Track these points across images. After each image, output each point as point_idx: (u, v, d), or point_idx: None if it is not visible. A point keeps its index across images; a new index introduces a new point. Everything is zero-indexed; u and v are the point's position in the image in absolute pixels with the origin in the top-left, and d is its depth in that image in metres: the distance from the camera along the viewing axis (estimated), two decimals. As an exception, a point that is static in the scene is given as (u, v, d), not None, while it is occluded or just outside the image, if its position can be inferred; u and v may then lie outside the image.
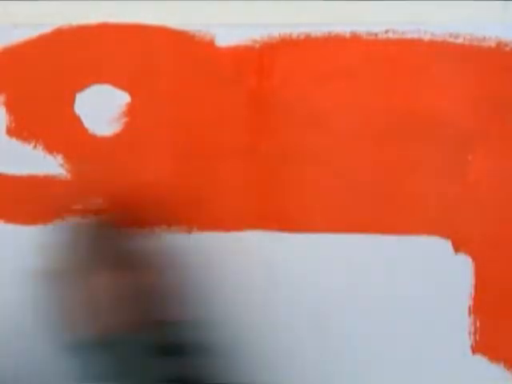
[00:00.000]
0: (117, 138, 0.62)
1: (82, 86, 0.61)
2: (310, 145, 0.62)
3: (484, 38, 0.61)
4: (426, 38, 0.61)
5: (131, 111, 0.61)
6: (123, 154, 0.62)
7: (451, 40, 0.61)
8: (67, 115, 0.61)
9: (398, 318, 0.62)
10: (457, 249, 0.62)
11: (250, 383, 0.58)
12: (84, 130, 0.61)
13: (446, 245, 0.63)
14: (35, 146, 0.61)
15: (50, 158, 0.62)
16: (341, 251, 0.62)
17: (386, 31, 0.61)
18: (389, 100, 0.61)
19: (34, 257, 0.58)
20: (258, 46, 0.61)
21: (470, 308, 0.63)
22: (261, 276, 0.61)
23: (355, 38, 0.61)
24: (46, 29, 0.60)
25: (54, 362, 0.57)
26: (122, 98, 0.61)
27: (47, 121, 0.61)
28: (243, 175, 0.62)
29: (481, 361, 0.63)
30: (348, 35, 0.61)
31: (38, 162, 0.62)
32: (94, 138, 0.62)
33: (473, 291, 0.63)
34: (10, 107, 0.61)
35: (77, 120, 0.61)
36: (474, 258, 0.63)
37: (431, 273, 0.63)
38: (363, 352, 0.61)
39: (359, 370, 0.62)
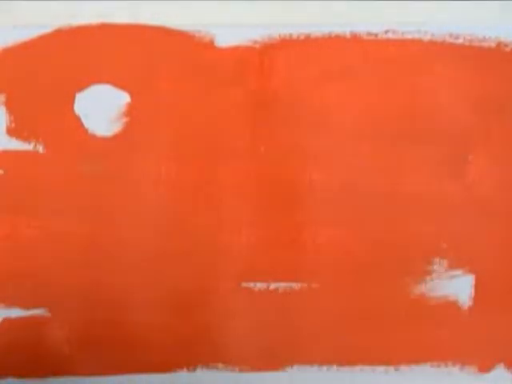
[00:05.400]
0: (117, 138, 0.62)
1: (82, 86, 0.61)
2: (310, 145, 0.62)
3: (484, 38, 0.61)
4: (426, 38, 0.61)
5: (131, 111, 0.61)
6: (123, 154, 0.62)
7: (451, 40, 0.61)
8: (67, 115, 0.61)
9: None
10: (457, 249, 0.63)
11: None
12: (84, 130, 0.61)
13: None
14: (35, 146, 0.62)
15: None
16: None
17: (386, 31, 0.61)
18: (389, 100, 0.61)
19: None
20: (258, 46, 0.61)
21: (470, 308, 0.63)
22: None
23: (355, 38, 0.61)
24: (46, 29, 0.60)
25: None
26: (122, 98, 0.61)
27: (47, 121, 0.61)
28: (243, 175, 0.62)
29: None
30: (348, 35, 0.61)
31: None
32: (93, 137, 0.62)
33: (473, 291, 0.63)
34: (10, 107, 0.61)
35: (77, 120, 0.61)
36: (475, 258, 0.63)
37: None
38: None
39: None
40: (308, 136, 0.62)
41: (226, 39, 0.61)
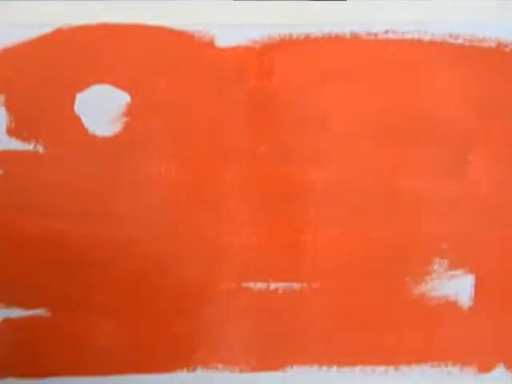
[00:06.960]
0: (117, 138, 0.62)
1: (82, 86, 0.61)
2: (310, 145, 0.62)
3: (484, 38, 0.61)
4: (426, 38, 0.61)
5: (131, 111, 0.61)
6: (123, 153, 0.62)
7: (451, 40, 0.61)
8: (67, 115, 0.61)
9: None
10: (457, 249, 0.63)
11: None
12: (84, 130, 0.61)
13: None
14: (35, 146, 0.62)
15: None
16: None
17: (386, 31, 0.61)
18: (389, 100, 0.61)
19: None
20: (257, 46, 0.61)
21: (470, 308, 0.63)
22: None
23: (355, 38, 0.61)
24: (46, 29, 0.60)
25: None
26: (122, 98, 0.61)
27: (47, 121, 0.61)
28: (243, 175, 0.62)
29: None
30: (348, 35, 0.61)
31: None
32: (93, 137, 0.62)
33: (473, 291, 0.63)
34: (10, 107, 0.61)
35: (77, 120, 0.61)
36: (475, 258, 0.63)
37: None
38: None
39: None
40: (308, 136, 0.62)
41: (226, 39, 0.61)
